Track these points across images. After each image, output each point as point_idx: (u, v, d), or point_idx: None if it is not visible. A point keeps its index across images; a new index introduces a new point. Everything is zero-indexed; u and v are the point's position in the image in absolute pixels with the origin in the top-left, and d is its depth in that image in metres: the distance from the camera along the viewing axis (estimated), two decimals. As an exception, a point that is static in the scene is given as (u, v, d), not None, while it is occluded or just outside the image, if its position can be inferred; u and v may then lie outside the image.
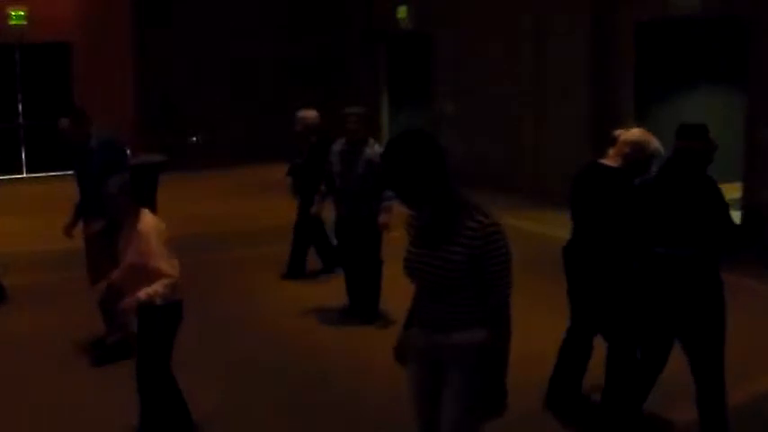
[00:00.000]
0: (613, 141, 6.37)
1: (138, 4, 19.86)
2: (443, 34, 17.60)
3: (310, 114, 10.16)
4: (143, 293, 5.53)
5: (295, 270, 10.37)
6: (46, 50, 19.57)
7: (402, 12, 19.05)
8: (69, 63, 19.67)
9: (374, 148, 8.43)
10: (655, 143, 6.23)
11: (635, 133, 6.18)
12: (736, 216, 9.77)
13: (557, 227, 12.64)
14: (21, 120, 19.47)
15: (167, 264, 5.65)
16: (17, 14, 18.97)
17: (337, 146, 8.63)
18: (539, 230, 12.59)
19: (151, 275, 5.59)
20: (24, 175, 18.60)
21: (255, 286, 10.13)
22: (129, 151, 8.48)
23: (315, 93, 21.60)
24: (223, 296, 9.71)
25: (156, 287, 5.55)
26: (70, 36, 19.45)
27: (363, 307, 8.69)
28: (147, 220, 5.79)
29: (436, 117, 18.21)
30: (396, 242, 5.69)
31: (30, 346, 8.03)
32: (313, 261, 10.52)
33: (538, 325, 8.39)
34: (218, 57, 20.73)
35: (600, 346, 6.21)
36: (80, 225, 8.02)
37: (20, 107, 19.57)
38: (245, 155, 19.49)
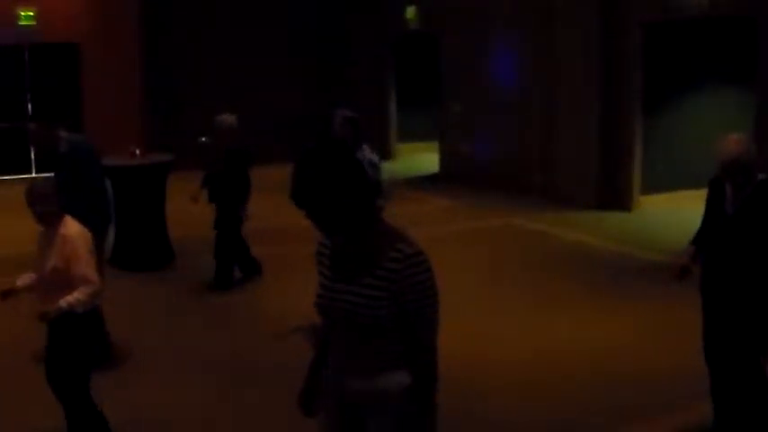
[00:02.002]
0: None
1: (147, 4, 19.88)
2: (451, 35, 17.58)
3: (229, 119, 9.89)
4: (64, 302, 5.37)
5: (224, 281, 10.05)
6: (55, 51, 19.59)
7: (411, 12, 19.05)
8: (78, 63, 19.70)
9: (366, 154, 8.14)
10: None
11: None
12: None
13: (566, 228, 12.71)
14: (30, 120, 19.50)
15: (93, 270, 5.54)
16: (26, 15, 18.99)
17: None
18: (549, 231, 12.59)
19: (73, 281, 5.45)
20: (34, 175, 18.58)
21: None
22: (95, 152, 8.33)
23: (320, 94, 21.70)
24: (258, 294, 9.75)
25: (78, 295, 5.40)
26: (79, 36, 19.48)
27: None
28: (73, 225, 5.64)
29: (444, 118, 18.21)
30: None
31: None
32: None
33: (549, 325, 8.41)
34: (224, 56, 20.73)
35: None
36: None
37: (29, 107, 19.60)
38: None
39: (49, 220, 5.60)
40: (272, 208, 10.57)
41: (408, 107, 21.04)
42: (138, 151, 11.47)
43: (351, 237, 3.49)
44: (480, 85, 16.83)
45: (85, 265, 5.49)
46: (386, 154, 18.99)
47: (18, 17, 18.98)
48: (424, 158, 19.69)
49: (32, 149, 8.48)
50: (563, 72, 14.71)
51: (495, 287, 9.88)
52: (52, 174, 8.00)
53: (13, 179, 18.48)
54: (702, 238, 5.77)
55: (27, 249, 7.52)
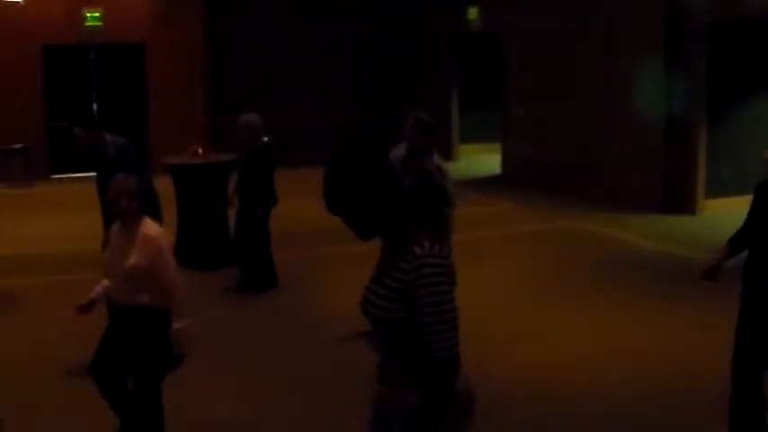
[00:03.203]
0: None
1: (210, 5, 20.03)
2: (513, 35, 17.47)
3: (252, 118, 9.79)
4: (180, 324, 5.43)
5: (269, 279, 9.97)
6: (120, 51, 19.83)
7: (473, 13, 18.97)
8: (143, 63, 19.92)
9: (435, 160, 7.72)
10: None
11: None
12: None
13: (629, 231, 12.57)
14: (95, 119, 19.75)
15: (179, 275, 5.54)
16: (92, 15, 19.26)
17: (399, 150, 7.69)
18: (611, 234, 12.44)
19: (158, 283, 5.44)
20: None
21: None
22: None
23: (382, 95, 21.70)
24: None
25: (182, 317, 5.45)
26: (144, 37, 19.70)
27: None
28: (153, 225, 5.64)
29: (506, 119, 18.10)
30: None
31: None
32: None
33: (607, 329, 8.30)
34: (286, 56, 20.82)
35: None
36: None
37: (94, 107, 19.85)
38: (312, 156, 19.50)
39: (130, 218, 5.55)
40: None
41: (470, 108, 20.98)
42: (200, 150, 11.53)
43: (385, 239, 3.39)
44: (542, 87, 16.69)
45: (174, 271, 5.50)
46: (447, 155, 18.94)
47: (84, 18, 19.25)
48: (486, 160, 19.60)
49: (80, 152, 8.37)
50: (626, 72, 14.52)
51: (553, 289, 9.76)
52: (98, 175, 8.11)
53: (79, 177, 18.78)
54: (741, 241, 5.53)
55: (90, 246, 7.65)
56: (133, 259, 5.44)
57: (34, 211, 15.70)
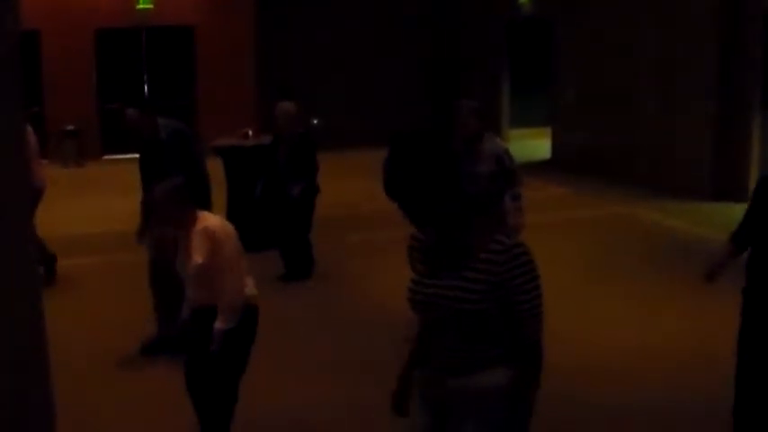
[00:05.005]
0: None
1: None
2: (565, 20, 17.32)
3: (288, 107, 9.71)
4: (220, 324, 5.24)
5: (308, 266, 9.93)
6: (171, 34, 19.97)
7: (525, -3, 18.88)
8: (193, 46, 20.03)
9: (495, 142, 7.74)
10: None
11: None
12: None
13: (679, 218, 12.44)
14: (149, 102, 19.90)
15: (238, 277, 5.36)
16: (144, -1, 19.47)
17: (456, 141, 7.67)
18: (661, 221, 12.32)
19: (217, 275, 5.29)
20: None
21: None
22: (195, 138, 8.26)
23: (433, 80, 21.63)
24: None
25: (223, 316, 5.25)
26: (195, 20, 19.81)
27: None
28: (210, 219, 5.48)
29: (556, 104, 17.97)
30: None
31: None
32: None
33: (654, 316, 8.23)
34: (337, 41, 20.83)
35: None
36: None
37: (145, 89, 20.01)
38: (359, 139, 19.49)
39: (183, 224, 5.43)
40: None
41: (521, 93, 20.86)
42: (250, 132, 11.57)
43: (445, 229, 3.37)
44: (594, 72, 16.54)
45: (232, 270, 5.32)
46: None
47: (136, 1, 19.40)
48: (536, 144, 19.47)
49: (131, 134, 8.24)
50: (679, 60, 14.34)
51: (602, 275, 9.73)
52: (147, 158, 8.00)
53: (129, 158, 18.96)
54: (744, 237, 5.37)
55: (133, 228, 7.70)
56: (198, 258, 5.31)
57: (86, 190, 15.89)
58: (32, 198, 9.35)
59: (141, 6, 19.48)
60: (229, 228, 5.50)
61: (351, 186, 14.57)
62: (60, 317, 8.42)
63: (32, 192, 9.31)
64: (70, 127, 19.05)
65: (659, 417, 6.17)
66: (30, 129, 9.63)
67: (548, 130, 18.64)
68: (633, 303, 8.72)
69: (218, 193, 9.27)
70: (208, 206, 7.96)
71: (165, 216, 5.49)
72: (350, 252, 10.99)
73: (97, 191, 15.77)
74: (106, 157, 19.51)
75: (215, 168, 10.30)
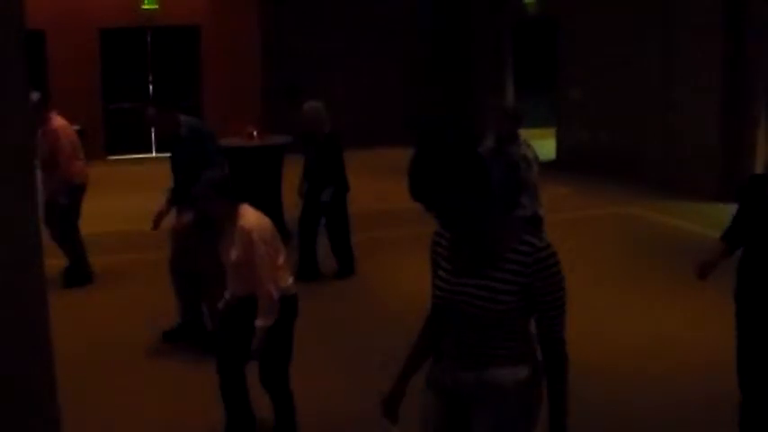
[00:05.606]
0: None
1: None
2: (570, 19, 17.31)
3: (316, 105, 9.69)
4: (261, 322, 5.35)
5: (348, 265, 9.94)
6: (176, 33, 19.99)
7: (530, -3, 18.86)
8: (198, 46, 20.05)
9: (523, 149, 7.82)
10: None
11: None
12: None
13: (685, 218, 12.41)
14: (149, 102, 19.90)
15: (273, 276, 5.42)
16: (149, -1, 19.50)
17: (488, 141, 7.95)
18: (667, 221, 12.31)
19: (253, 271, 5.38)
20: (153, 155, 19.01)
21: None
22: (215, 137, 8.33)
23: (438, 79, 21.61)
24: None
25: (263, 317, 5.35)
26: (200, 19, 19.82)
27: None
28: (250, 215, 5.56)
29: (561, 104, 17.96)
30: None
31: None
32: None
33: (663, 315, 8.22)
34: (342, 40, 20.81)
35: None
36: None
37: (150, 88, 20.03)
38: (366, 138, 19.50)
39: (222, 219, 5.57)
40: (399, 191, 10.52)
41: (525, 92, 20.82)
42: (255, 133, 11.58)
43: (472, 229, 3.38)
44: (599, 71, 16.52)
45: (268, 268, 5.39)
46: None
47: (142, 1, 19.43)
48: (541, 145, 19.41)
49: (155, 132, 8.35)
50: (685, 58, 14.32)
51: (607, 275, 9.76)
52: (172, 155, 8.09)
53: (136, 158, 19.01)
54: (736, 236, 5.35)
55: (143, 227, 7.72)
56: (234, 254, 5.46)
57: (90, 190, 15.85)
58: (75, 194, 9.50)
59: (146, 6, 19.51)
60: (266, 225, 5.59)
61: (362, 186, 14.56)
62: (66, 312, 8.49)
63: (75, 188, 9.45)
64: (75, 127, 19.01)
65: (659, 416, 6.16)
66: (70, 127, 9.84)
67: (552, 131, 18.61)
68: (636, 303, 8.74)
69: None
70: None
71: (204, 209, 5.64)
72: (367, 250, 11.00)
73: (102, 191, 15.72)
74: (111, 157, 19.51)
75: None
